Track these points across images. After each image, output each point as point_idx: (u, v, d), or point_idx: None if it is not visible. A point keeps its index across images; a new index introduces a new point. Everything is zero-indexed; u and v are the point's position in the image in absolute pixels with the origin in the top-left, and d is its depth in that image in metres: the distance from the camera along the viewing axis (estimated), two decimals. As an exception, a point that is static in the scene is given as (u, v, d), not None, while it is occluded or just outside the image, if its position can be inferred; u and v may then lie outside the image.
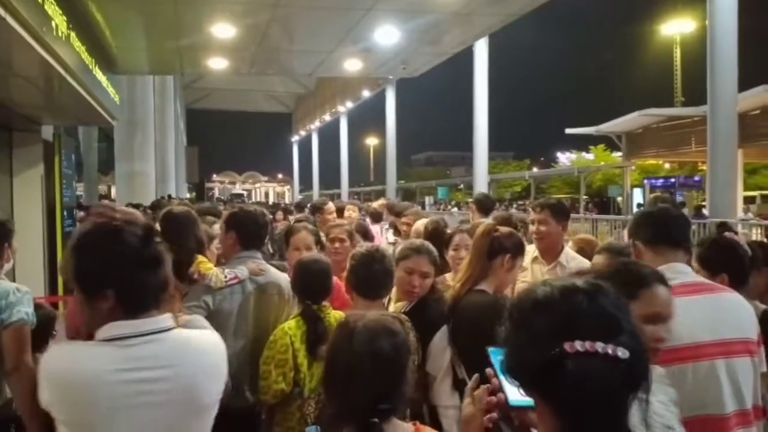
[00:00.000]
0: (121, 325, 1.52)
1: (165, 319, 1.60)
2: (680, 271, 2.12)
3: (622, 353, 0.98)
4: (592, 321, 1.01)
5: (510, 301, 1.23)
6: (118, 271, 1.53)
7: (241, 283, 3.05)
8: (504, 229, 2.77)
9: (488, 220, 4.82)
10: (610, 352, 0.98)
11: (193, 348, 1.63)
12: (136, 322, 1.54)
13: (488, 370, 1.25)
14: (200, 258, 3.07)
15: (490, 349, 1.28)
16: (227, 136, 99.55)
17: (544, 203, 3.89)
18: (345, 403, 1.49)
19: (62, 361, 1.51)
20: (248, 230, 3.20)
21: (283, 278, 3.26)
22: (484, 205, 5.75)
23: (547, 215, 3.72)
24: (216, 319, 2.95)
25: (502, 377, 1.20)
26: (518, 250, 2.73)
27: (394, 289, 3.02)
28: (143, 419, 1.50)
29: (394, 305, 2.81)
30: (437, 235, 3.93)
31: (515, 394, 1.18)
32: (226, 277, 2.99)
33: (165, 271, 1.59)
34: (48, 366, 1.51)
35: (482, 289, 2.61)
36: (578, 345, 0.98)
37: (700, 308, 2.03)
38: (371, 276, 2.67)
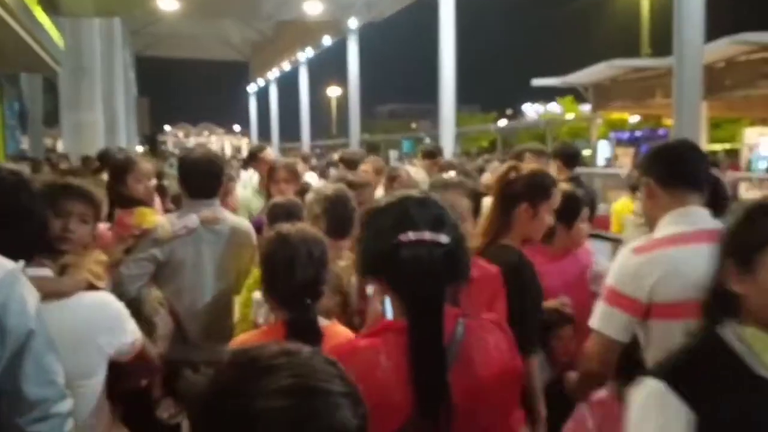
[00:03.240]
0: None
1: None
2: (701, 217, 1.92)
3: (444, 239, 1.30)
4: (421, 218, 1.31)
5: (363, 212, 1.45)
6: None
7: (192, 233, 2.83)
8: (525, 169, 2.44)
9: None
10: (434, 239, 1.29)
11: (54, 311, 1.54)
12: None
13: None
14: (142, 209, 2.95)
15: None
16: (180, 86, 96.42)
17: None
18: (284, 291, 1.82)
19: None
20: (194, 178, 2.98)
21: (245, 224, 3.08)
22: (434, 156, 5.84)
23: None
24: (167, 272, 2.83)
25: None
26: (537, 195, 2.39)
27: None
28: None
29: None
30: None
31: None
32: (173, 227, 2.81)
33: (30, 224, 1.53)
34: None
35: (505, 244, 2.36)
36: (411, 235, 1.28)
37: None
38: (338, 217, 2.65)
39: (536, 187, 2.41)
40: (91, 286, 1.82)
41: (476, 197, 2.43)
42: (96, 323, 1.68)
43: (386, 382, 1.25)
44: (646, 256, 1.87)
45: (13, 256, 1.48)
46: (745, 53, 17.82)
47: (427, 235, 1.29)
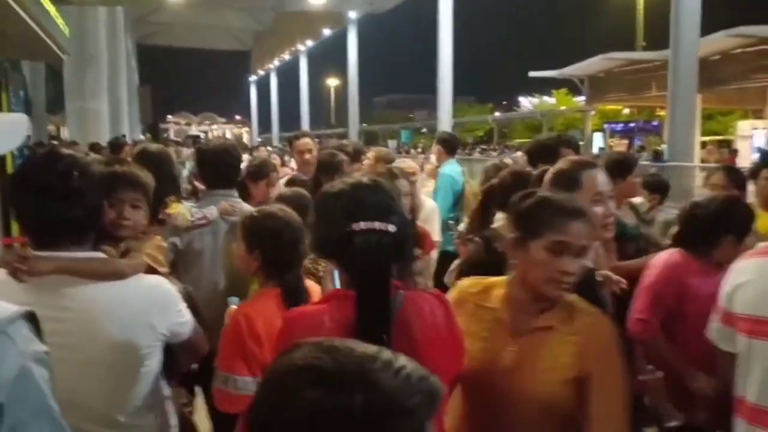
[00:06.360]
0: None
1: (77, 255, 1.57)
2: None
3: (392, 228, 1.40)
4: (371, 207, 1.40)
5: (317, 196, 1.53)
6: (19, 201, 1.54)
7: (211, 224, 2.92)
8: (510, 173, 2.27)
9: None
10: (383, 228, 1.38)
11: (111, 291, 1.60)
12: (40, 255, 1.53)
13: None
14: (172, 198, 2.91)
15: None
16: (182, 75, 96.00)
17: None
18: (268, 263, 2.03)
19: None
20: (213, 168, 3.06)
21: None
22: (451, 145, 5.56)
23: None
24: (185, 261, 2.92)
25: None
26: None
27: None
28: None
29: None
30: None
31: None
32: (192, 216, 2.86)
33: (82, 205, 1.54)
34: None
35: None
36: (362, 224, 1.37)
37: None
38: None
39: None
40: (151, 270, 1.83)
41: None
42: (150, 304, 1.67)
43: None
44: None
45: (66, 238, 1.54)
46: (741, 46, 18.01)
47: (377, 225, 1.39)
